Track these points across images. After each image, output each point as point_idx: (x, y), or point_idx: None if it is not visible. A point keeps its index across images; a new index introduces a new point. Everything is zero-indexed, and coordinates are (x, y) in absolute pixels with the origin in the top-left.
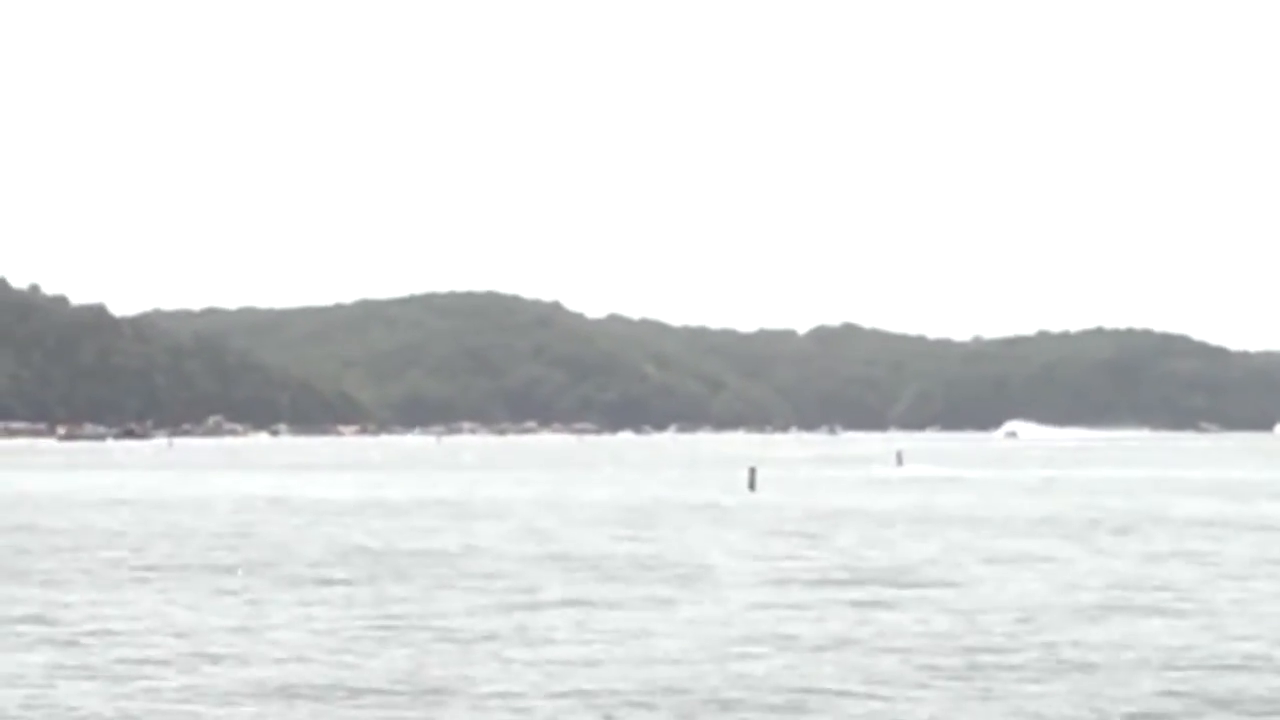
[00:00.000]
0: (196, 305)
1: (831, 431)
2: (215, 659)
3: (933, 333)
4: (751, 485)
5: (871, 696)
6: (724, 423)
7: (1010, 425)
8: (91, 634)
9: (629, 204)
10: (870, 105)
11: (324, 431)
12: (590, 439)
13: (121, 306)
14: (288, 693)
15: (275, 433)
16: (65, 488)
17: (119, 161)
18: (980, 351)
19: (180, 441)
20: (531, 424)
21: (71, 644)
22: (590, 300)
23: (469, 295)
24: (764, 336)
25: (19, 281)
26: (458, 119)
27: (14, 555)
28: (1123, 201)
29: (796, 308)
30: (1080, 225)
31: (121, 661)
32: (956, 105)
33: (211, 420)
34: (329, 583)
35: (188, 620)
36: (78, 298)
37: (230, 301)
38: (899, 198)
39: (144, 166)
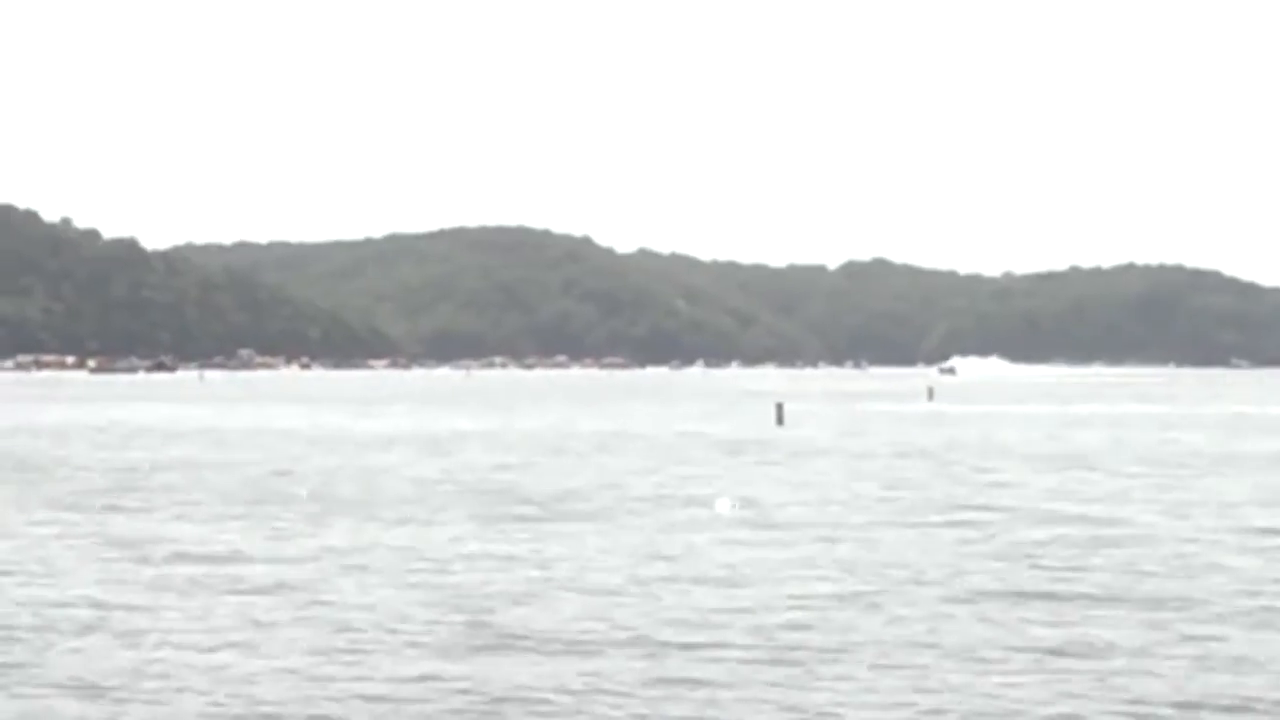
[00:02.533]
0: (227, 239)
1: (859, 366)
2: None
3: (964, 268)
4: (779, 420)
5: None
6: (753, 358)
7: (952, 361)
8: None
9: (660, 138)
10: (902, 38)
11: (355, 365)
12: (620, 374)
13: (153, 240)
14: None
15: (306, 366)
16: (152, 420)
17: (151, 96)
18: (1011, 287)
19: (211, 375)
20: (562, 358)
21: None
22: (621, 235)
23: (499, 229)
24: (794, 271)
25: (51, 215)
26: (488, 52)
27: (269, 491)
28: (1155, 136)
29: (827, 243)
30: (1113, 160)
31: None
32: (988, 39)
33: (242, 354)
34: (570, 517)
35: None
36: (109, 231)
37: (261, 235)
38: (931, 132)
39: (176, 100)
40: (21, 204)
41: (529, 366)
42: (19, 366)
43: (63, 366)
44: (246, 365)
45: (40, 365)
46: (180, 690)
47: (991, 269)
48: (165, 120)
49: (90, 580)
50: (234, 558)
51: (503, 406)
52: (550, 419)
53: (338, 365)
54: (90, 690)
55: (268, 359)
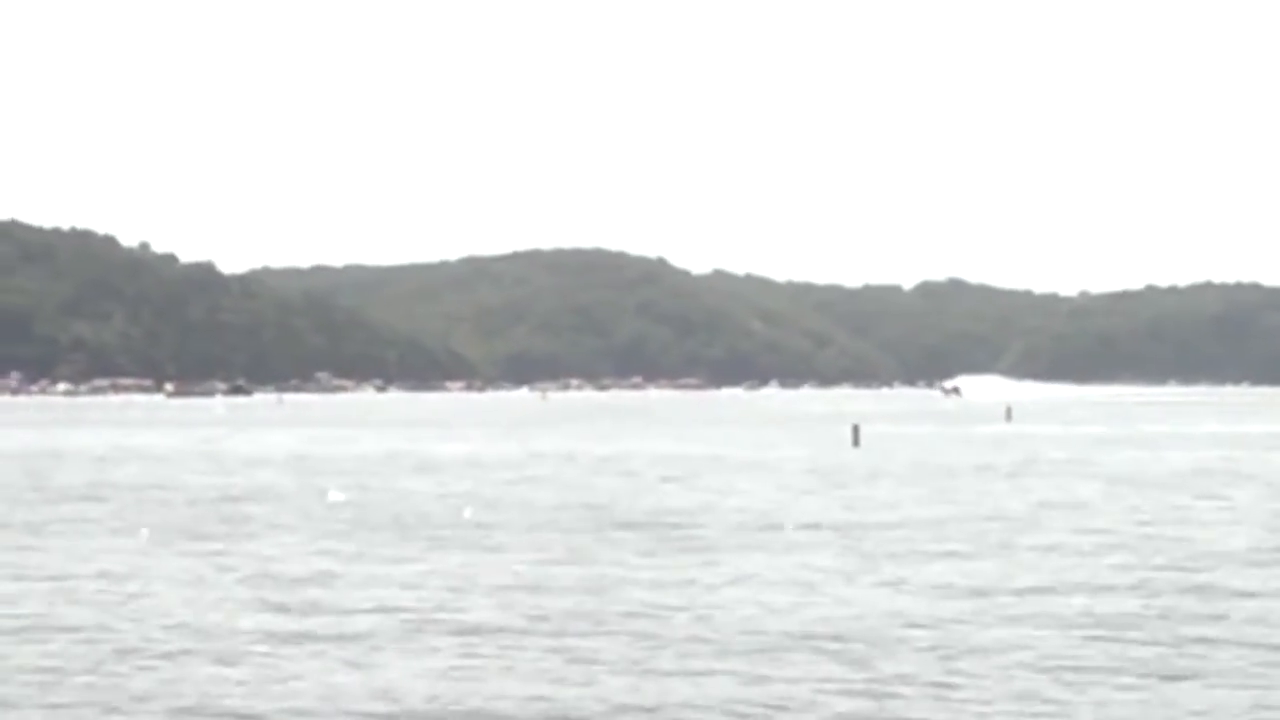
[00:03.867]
0: (304, 263)
1: (934, 387)
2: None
3: (1039, 287)
4: (855, 442)
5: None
6: (829, 379)
7: (957, 380)
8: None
9: (736, 160)
10: (977, 58)
11: (431, 388)
12: (695, 395)
13: (230, 264)
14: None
15: (382, 388)
16: (272, 448)
17: (229, 120)
18: (1087, 306)
19: (289, 398)
20: (637, 380)
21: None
22: (696, 256)
23: (575, 251)
24: (870, 292)
25: (129, 239)
26: (564, 77)
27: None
28: (1234, 154)
29: (902, 263)
30: (1190, 178)
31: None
32: (1064, 59)
33: (319, 377)
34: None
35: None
36: (187, 255)
37: (338, 259)
38: (1007, 152)
39: (254, 125)
40: (100, 229)
41: (604, 388)
42: (95, 390)
43: (140, 390)
44: (324, 388)
45: (117, 389)
46: None
47: (1067, 288)
48: (243, 145)
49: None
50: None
51: (601, 429)
52: (635, 442)
53: (414, 388)
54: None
55: (344, 382)
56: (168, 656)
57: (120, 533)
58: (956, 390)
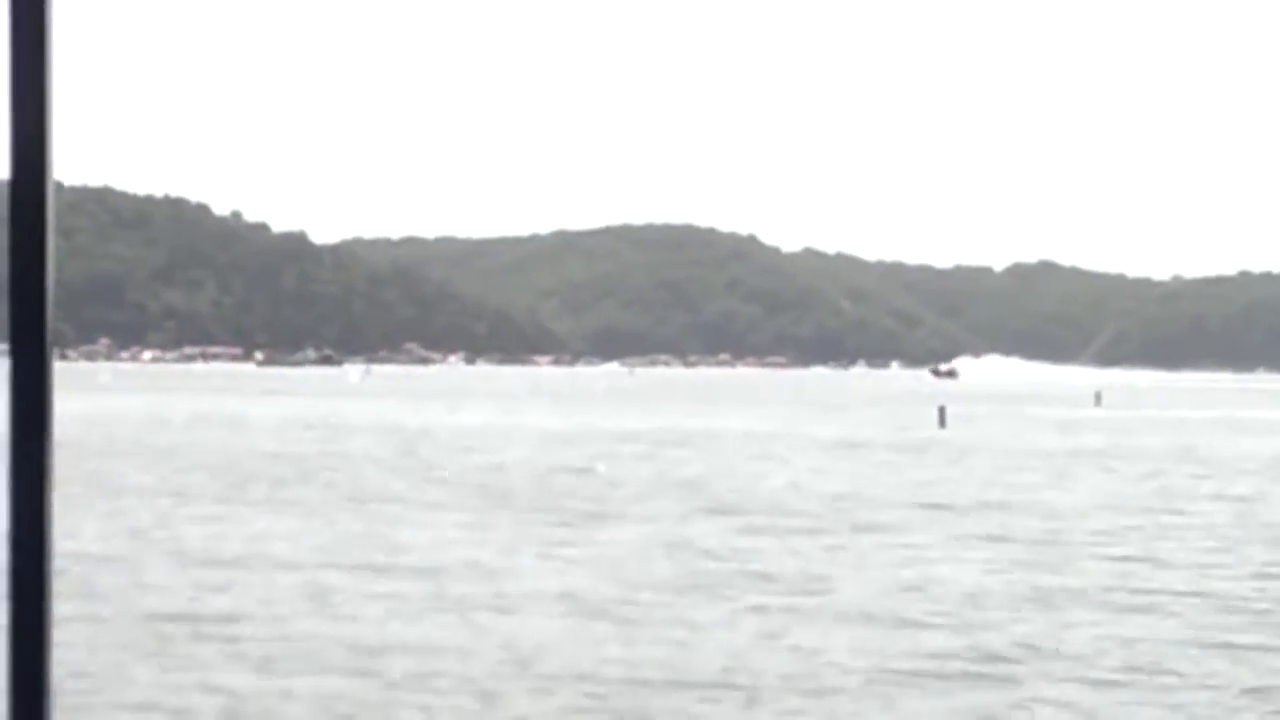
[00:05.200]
0: (395, 234)
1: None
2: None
3: (1131, 271)
4: (942, 423)
5: None
6: (917, 359)
7: (955, 362)
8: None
9: (827, 137)
10: (1066, 37)
11: (519, 361)
12: (783, 373)
13: (322, 234)
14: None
15: (471, 361)
16: (396, 419)
17: (322, 90)
18: (1179, 290)
19: (377, 369)
20: (725, 357)
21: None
22: (786, 234)
23: (665, 227)
24: (960, 273)
25: (222, 208)
26: (655, 51)
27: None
28: None
29: (994, 244)
30: None
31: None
32: (1153, 40)
33: (408, 348)
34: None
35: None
36: (279, 225)
37: (429, 231)
38: (1101, 134)
39: (349, 96)
40: (193, 197)
41: (692, 365)
42: (185, 358)
43: (230, 359)
44: (412, 359)
45: (206, 357)
46: None
47: (1160, 272)
48: (335, 115)
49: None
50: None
51: (709, 406)
52: (734, 420)
53: (502, 361)
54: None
55: (432, 354)
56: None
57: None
58: (952, 373)
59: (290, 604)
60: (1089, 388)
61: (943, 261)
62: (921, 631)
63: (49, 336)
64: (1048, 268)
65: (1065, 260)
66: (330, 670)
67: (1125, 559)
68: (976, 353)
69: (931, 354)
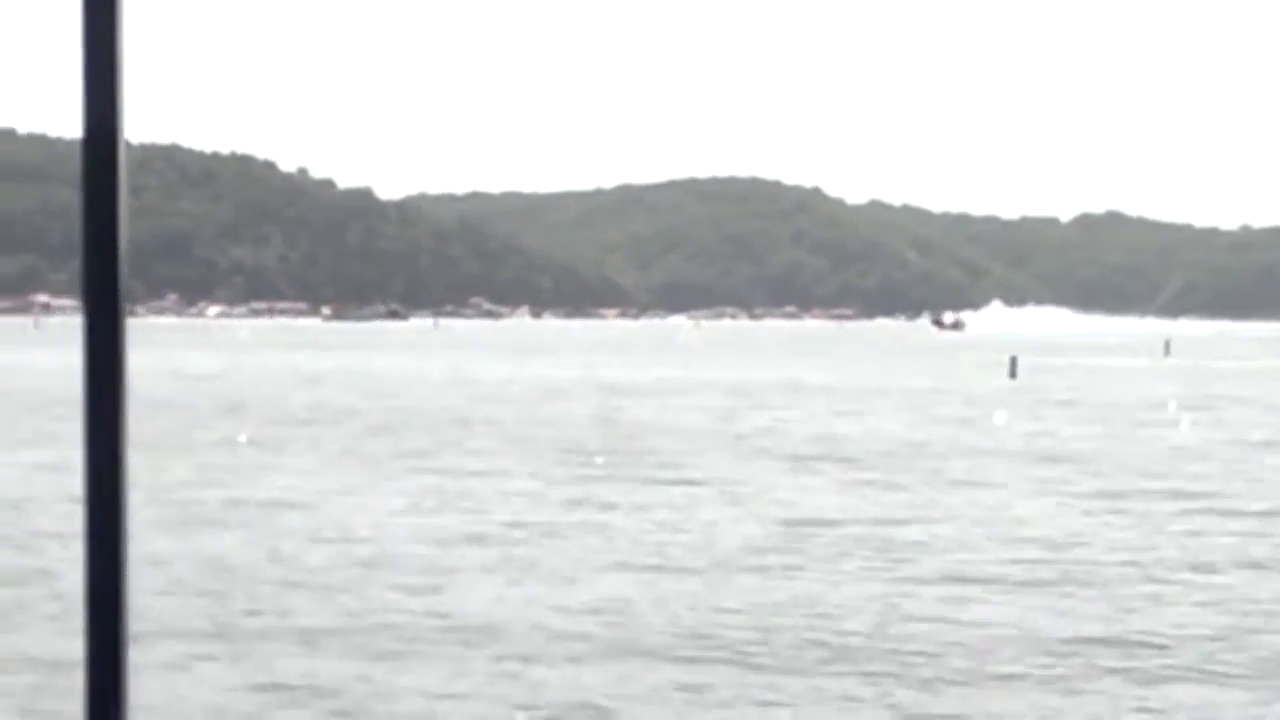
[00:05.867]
0: (461, 189)
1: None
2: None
3: (1199, 221)
4: (1012, 373)
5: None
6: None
7: (964, 313)
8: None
9: (891, 88)
10: None
11: (585, 315)
12: (850, 325)
13: (387, 190)
14: None
15: (537, 315)
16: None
17: (385, 45)
18: (1248, 240)
19: (445, 323)
20: (791, 309)
21: None
22: (851, 186)
23: (730, 180)
24: (1027, 224)
25: (288, 165)
26: (722, 3)
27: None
28: None
29: (1060, 194)
30: None
31: None
32: None
33: (474, 302)
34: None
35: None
36: (345, 181)
37: (494, 186)
38: (1168, 82)
39: (412, 51)
40: (260, 154)
41: (758, 317)
42: (253, 313)
43: (297, 314)
44: (479, 314)
45: (274, 313)
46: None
47: (1227, 222)
48: (401, 71)
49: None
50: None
51: (794, 359)
52: (806, 372)
53: (568, 314)
54: None
55: (499, 308)
56: None
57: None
58: (958, 324)
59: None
60: (1108, 336)
61: (1009, 212)
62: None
63: (123, 295)
64: (1114, 218)
65: (1132, 210)
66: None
67: None
68: (1041, 303)
69: (1006, 305)
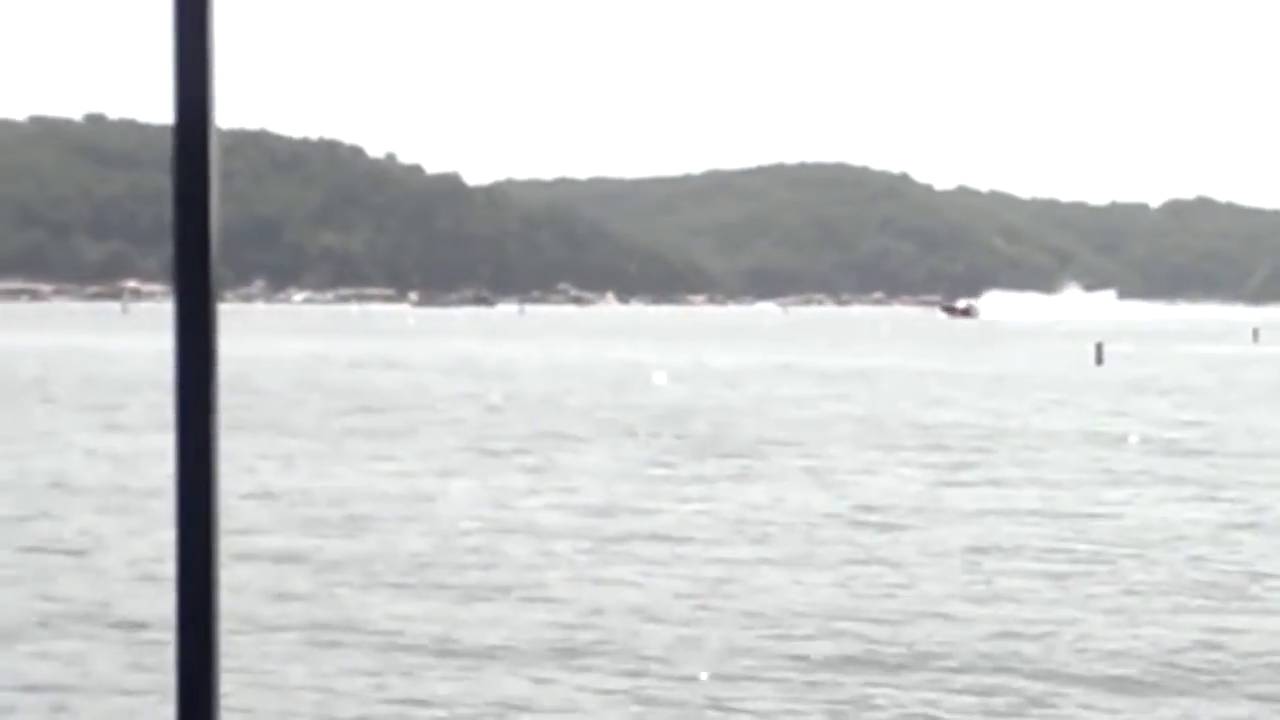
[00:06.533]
0: (548, 175)
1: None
2: None
3: None
4: (1099, 360)
5: None
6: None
7: (981, 298)
8: None
9: (980, 75)
10: None
11: (673, 301)
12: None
13: (475, 176)
14: None
15: (625, 301)
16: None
17: (476, 32)
18: None
19: (531, 309)
20: (878, 295)
21: None
22: (939, 171)
23: (817, 166)
24: (1115, 209)
25: (376, 150)
26: None
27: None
28: None
29: (1149, 180)
30: None
31: None
32: None
33: (561, 288)
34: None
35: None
36: (432, 167)
37: (581, 171)
38: (1258, 68)
39: (501, 37)
40: (348, 139)
41: (845, 303)
42: (340, 299)
43: (384, 300)
44: (566, 300)
45: (361, 299)
46: None
47: None
48: (489, 57)
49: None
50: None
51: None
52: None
53: (655, 300)
54: None
55: (586, 294)
56: None
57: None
58: (968, 311)
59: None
60: (1133, 324)
61: (1097, 198)
62: None
63: (214, 280)
64: (1204, 204)
65: (1222, 196)
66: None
67: None
68: (1127, 291)
69: (1086, 291)
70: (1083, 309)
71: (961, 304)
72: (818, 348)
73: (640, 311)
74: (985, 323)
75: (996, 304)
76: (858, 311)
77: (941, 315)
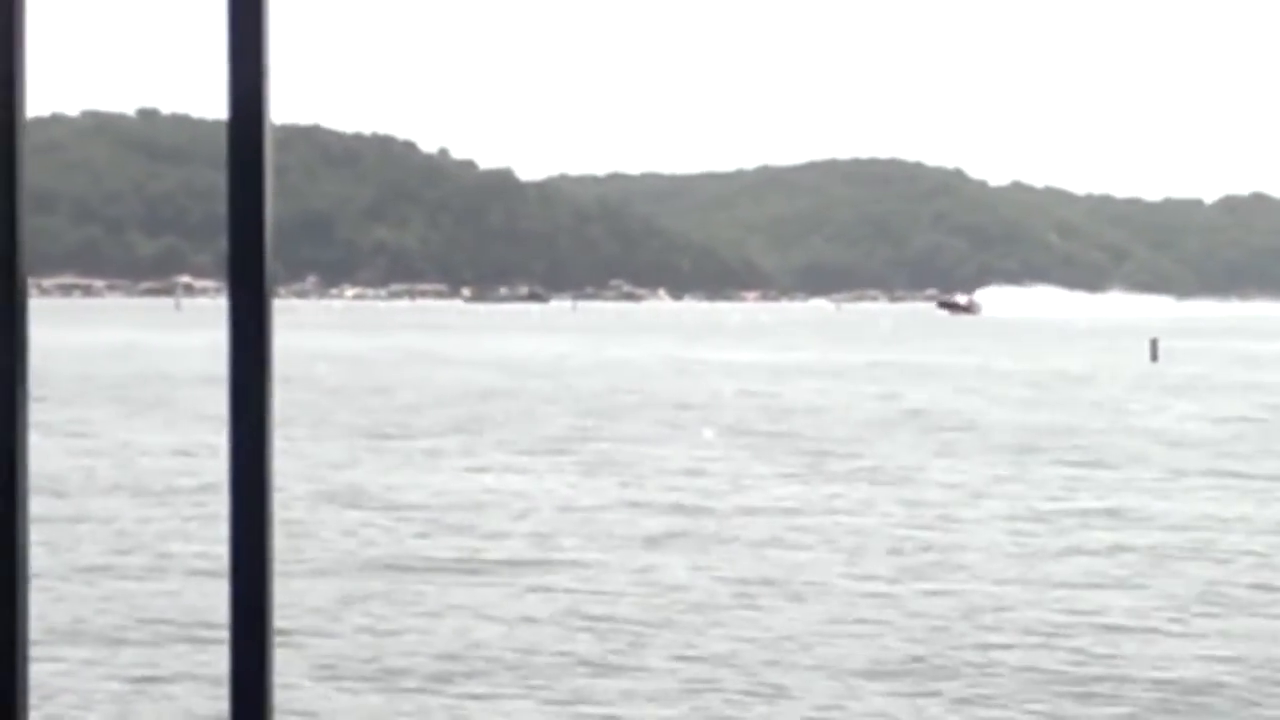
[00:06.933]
0: (601, 170)
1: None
2: None
3: None
4: (1154, 356)
5: None
6: (1127, 292)
7: (980, 293)
8: None
9: (1034, 70)
10: None
11: (726, 297)
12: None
13: (527, 171)
14: None
15: (678, 297)
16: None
17: (527, 28)
18: None
19: (584, 305)
20: (932, 292)
21: None
22: (992, 167)
23: (871, 162)
24: (1170, 205)
25: (429, 146)
26: None
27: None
28: None
29: (1204, 176)
30: None
31: None
32: None
33: (613, 284)
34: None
35: None
36: (485, 162)
37: (634, 167)
38: None
39: (552, 32)
40: (401, 135)
41: (898, 300)
42: (392, 295)
43: (436, 295)
44: (618, 296)
45: (413, 294)
46: None
47: None
48: (541, 52)
49: None
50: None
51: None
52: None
53: (708, 297)
54: None
55: (638, 290)
56: None
57: None
58: (969, 307)
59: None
60: (1129, 321)
61: (1152, 194)
62: None
63: (269, 275)
64: (1260, 200)
65: (1277, 192)
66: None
67: None
68: (1184, 290)
69: (1141, 287)
70: (1087, 306)
71: (962, 299)
72: (871, 345)
73: (691, 308)
74: (987, 319)
75: (997, 300)
76: (906, 309)
77: (940, 312)
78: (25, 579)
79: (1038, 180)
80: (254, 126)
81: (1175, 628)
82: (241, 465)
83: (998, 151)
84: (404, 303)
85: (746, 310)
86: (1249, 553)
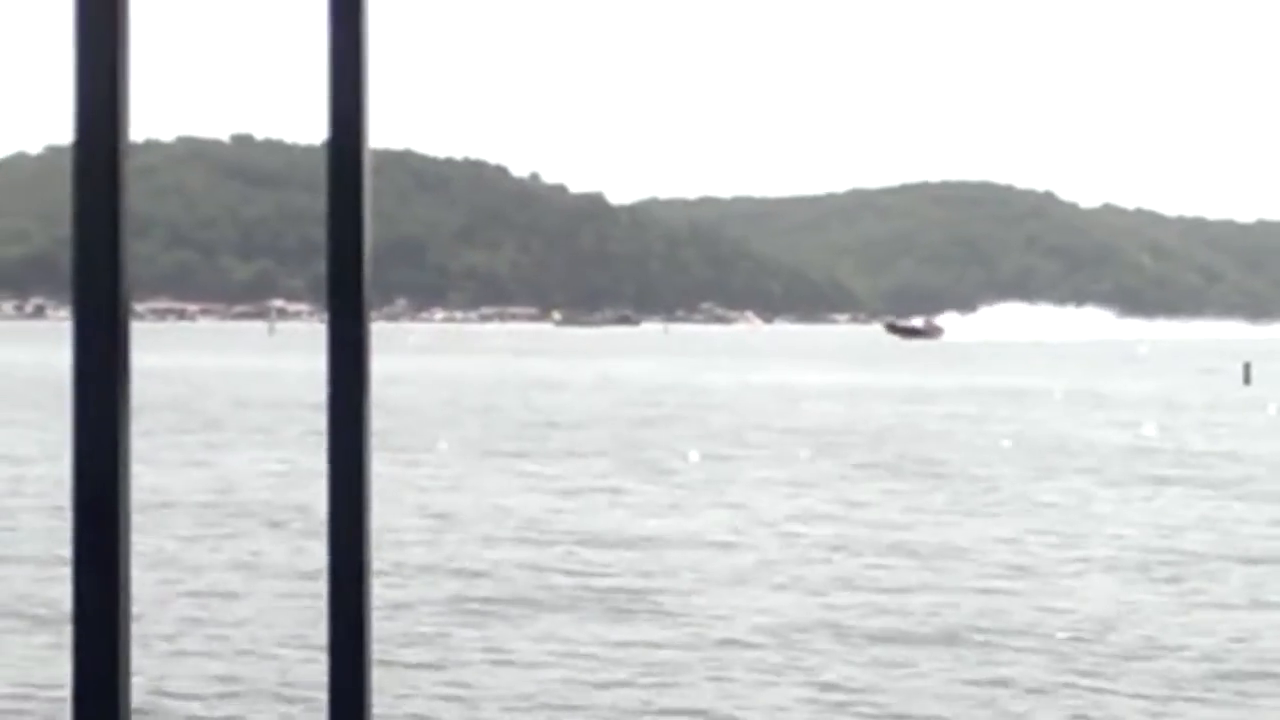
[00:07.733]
0: (692, 194)
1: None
2: None
3: None
4: (1247, 379)
5: None
6: (1219, 315)
7: (944, 317)
8: None
9: (1126, 93)
10: None
11: (817, 320)
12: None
13: (619, 195)
14: None
15: (768, 320)
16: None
17: (619, 52)
18: None
19: (674, 328)
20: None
21: None
22: (1084, 190)
23: (961, 184)
24: (1263, 227)
25: (520, 170)
26: (953, 7)
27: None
28: None
29: None
30: None
31: None
32: None
33: (704, 308)
34: None
35: None
36: (576, 186)
37: (725, 191)
38: None
39: (643, 56)
40: (492, 159)
41: None
42: (483, 319)
43: (527, 319)
44: (709, 319)
45: (504, 317)
46: None
47: None
48: (633, 79)
49: None
50: None
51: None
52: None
53: (799, 320)
54: None
55: (729, 313)
56: None
57: None
58: (924, 331)
59: None
60: (1106, 343)
61: (1245, 216)
62: None
63: (367, 299)
64: None
65: None
66: None
67: None
68: (1278, 309)
69: (1234, 309)
70: (1058, 326)
71: (918, 322)
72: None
73: (784, 331)
74: (949, 344)
75: (958, 324)
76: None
77: (890, 336)
78: (127, 611)
79: (1129, 202)
80: (353, 149)
81: None
82: (340, 488)
83: (1089, 173)
84: (493, 326)
85: (837, 334)
86: None
